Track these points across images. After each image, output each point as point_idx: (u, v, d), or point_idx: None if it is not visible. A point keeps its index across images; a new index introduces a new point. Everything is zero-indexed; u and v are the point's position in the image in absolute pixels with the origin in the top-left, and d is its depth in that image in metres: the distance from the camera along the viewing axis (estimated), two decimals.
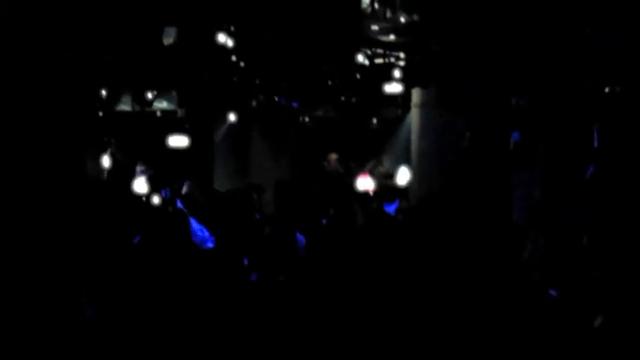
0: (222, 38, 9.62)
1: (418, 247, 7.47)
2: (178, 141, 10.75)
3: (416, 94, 11.53)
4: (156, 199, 9.09)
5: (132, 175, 10.37)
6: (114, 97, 11.15)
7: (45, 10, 7.63)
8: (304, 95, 11.39)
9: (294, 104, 11.66)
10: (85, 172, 9.46)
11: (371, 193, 9.44)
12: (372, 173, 11.30)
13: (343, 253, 7.51)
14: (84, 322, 5.88)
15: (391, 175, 10.68)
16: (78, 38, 8.40)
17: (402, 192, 10.04)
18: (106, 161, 10.68)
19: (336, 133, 12.70)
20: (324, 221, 9.02)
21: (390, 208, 9.36)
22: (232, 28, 9.58)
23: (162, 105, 12.29)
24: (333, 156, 12.41)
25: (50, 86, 7.65)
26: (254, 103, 12.02)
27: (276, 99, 11.33)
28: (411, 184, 10.29)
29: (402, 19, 10.45)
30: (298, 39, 10.05)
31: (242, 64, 10.04)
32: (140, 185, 9.25)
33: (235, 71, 10.36)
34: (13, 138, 7.32)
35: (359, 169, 12.40)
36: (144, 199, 9.16)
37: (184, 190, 10.01)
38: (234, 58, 9.98)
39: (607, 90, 9.02)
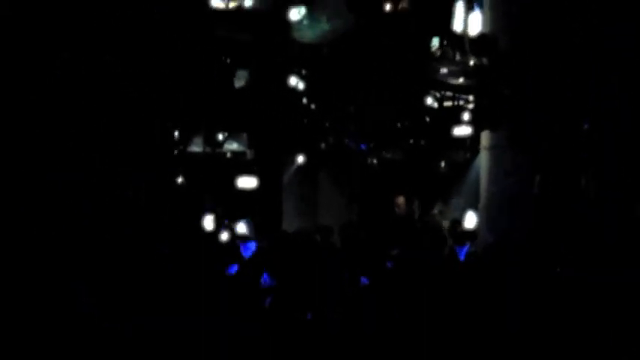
0: (293, 81, 9.78)
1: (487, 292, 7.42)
2: (247, 182, 10.91)
3: (485, 137, 11.49)
4: (224, 236, 9.35)
5: (201, 212, 10.53)
6: (186, 138, 11.35)
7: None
8: (373, 138, 11.45)
9: (363, 146, 11.72)
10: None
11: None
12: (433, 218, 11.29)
13: (409, 294, 7.49)
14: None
15: (458, 222, 10.65)
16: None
17: (472, 235, 9.98)
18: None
19: (404, 176, 12.71)
20: (389, 264, 9.01)
21: (461, 253, 9.32)
22: (304, 72, 9.73)
23: (232, 146, 12.48)
24: (401, 199, 12.39)
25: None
26: (323, 146, 12.11)
27: (346, 141, 11.41)
28: (479, 229, 10.23)
29: (471, 62, 10.49)
30: (368, 81, 10.14)
31: (313, 106, 10.17)
32: (208, 222, 9.61)
33: (305, 114, 10.48)
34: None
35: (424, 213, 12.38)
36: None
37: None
38: (305, 100, 10.12)
39: None
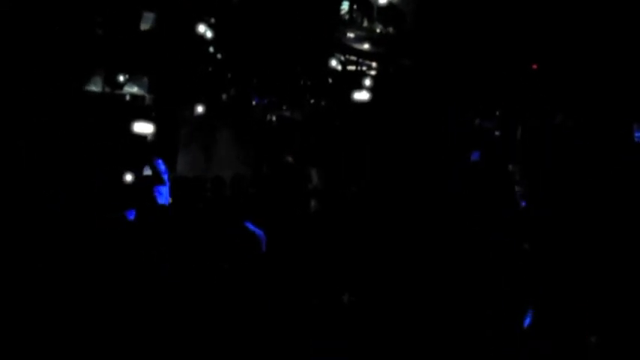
0: (201, 29, 9.77)
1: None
2: (143, 127, 10.82)
3: None
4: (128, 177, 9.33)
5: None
6: (85, 77, 11.16)
7: None
8: (274, 93, 11.54)
9: (264, 101, 11.80)
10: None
11: None
12: None
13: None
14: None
15: None
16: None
17: None
18: None
19: (300, 136, 12.86)
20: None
21: None
22: (213, 20, 9.73)
23: (132, 89, 12.32)
24: (290, 159, 12.55)
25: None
26: (224, 97, 12.11)
27: (247, 94, 11.46)
28: None
29: (378, 30, 10.72)
30: (276, 37, 10.22)
31: (219, 56, 10.18)
32: None
33: (210, 63, 10.48)
34: None
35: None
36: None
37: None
38: (211, 49, 10.12)
39: None
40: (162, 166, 9.97)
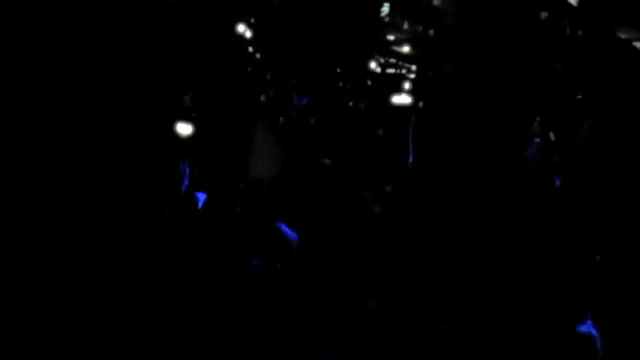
0: (241, 28, 9.79)
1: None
2: (183, 128, 10.82)
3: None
4: None
5: None
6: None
7: None
8: (313, 93, 11.51)
9: (303, 102, 11.77)
10: None
11: None
12: None
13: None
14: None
15: None
16: None
17: None
18: None
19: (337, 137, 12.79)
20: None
21: None
22: (253, 20, 9.76)
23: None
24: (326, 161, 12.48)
25: None
26: (262, 98, 12.11)
27: (287, 95, 11.44)
28: None
29: (419, 32, 10.64)
30: (315, 38, 10.20)
31: (258, 55, 10.20)
32: None
33: (250, 62, 10.49)
34: None
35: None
36: None
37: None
38: (250, 49, 10.14)
39: None
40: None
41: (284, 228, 8.27)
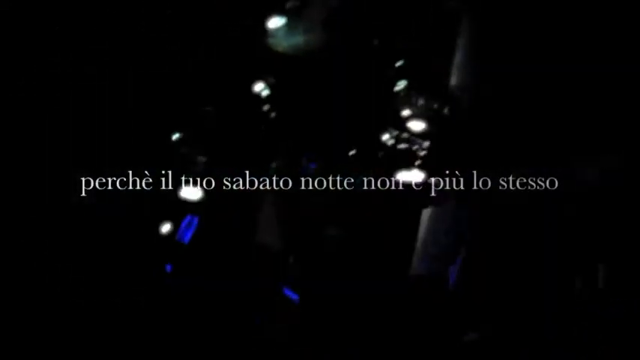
0: (258, 87, 9.90)
1: None
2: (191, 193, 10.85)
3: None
4: None
5: None
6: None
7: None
8: (323, 158, 11.53)
9: (312, 165, 11.79)
10: None
11: None
12: None
13: None
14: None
15: None
16: None
17: None
18: None
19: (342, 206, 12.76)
20: None
21: None
22: (272, 80, 9.87)
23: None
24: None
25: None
26: (274, 165, 12.14)
27: (298, 158, 11.47)
28: None
29: (433, 110, 10.73)
30: (329, 106, 10.31)
31: (273, 115, 10.27)
32: None
33: (264, 121, 10.57)
34: None
35: None
36: None
37: None
38: (265, 108, 10.23)
39: None
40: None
41: (287, 291, 8.25)
